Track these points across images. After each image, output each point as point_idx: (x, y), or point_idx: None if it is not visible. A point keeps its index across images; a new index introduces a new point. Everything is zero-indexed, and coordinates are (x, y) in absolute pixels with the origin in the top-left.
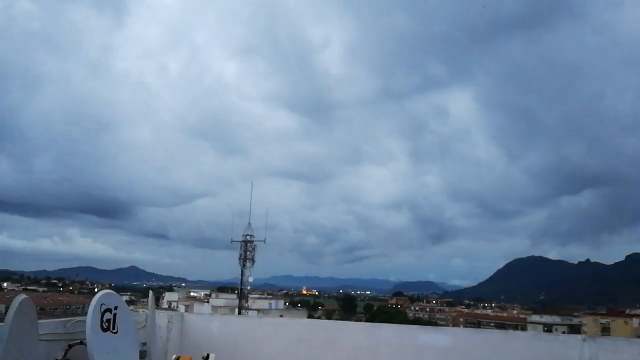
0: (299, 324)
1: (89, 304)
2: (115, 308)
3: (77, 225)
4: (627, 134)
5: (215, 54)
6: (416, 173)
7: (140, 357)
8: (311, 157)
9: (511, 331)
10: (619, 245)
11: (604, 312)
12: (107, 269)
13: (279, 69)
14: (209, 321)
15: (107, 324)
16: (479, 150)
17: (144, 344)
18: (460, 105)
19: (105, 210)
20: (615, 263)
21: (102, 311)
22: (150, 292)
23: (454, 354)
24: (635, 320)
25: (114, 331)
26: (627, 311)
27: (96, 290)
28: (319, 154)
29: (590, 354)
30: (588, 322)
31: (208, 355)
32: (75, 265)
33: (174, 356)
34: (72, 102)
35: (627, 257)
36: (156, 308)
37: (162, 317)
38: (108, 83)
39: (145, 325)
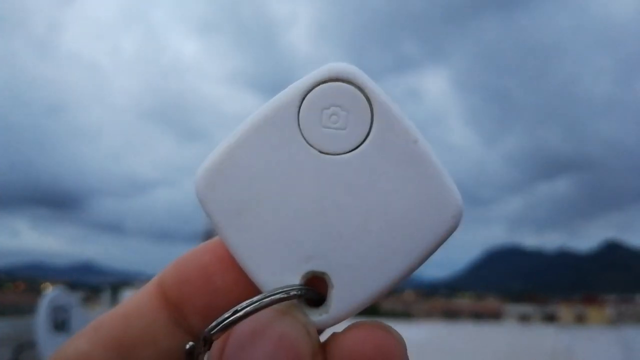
0: None
1: (40, 303)
2: (69, 307)
3: (24, 217)
4: (602, 118)
5: (173, 32)
6: None
7: None
8: None
9: (485, 324)
10: (595, 231)
11: (579, 300)
12: (60, 264)
13: (242, 47)
14: None
15: (59, 324)
16: (453, 134)
17: None
18: (435, 86)
19: (56, 201)
20: (591, 250)
21: (54, 310)
22: (107, 288)
23: (427, 350)
24: (610, 307)
25: (67, 332)
26: (602, 297)
27: (48, 288)
28: None
29: (567, 343)
30: (563, 310)
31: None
32: (23, 260)
33: None
34: (15, 83)
35: (602, 243)
36: (114, 306)
37: None
38: (56, 63)
39: None
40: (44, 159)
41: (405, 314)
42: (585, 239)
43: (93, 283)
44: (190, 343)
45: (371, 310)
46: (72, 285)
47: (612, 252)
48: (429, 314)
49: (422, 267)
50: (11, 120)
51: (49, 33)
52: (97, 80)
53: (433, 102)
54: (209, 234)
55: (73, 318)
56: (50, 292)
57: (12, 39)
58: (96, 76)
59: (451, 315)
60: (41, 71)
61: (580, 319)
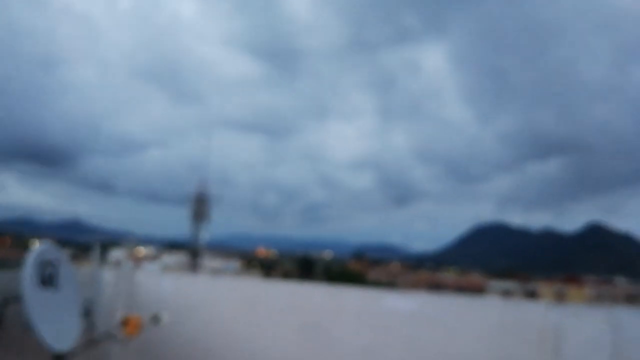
0: (256, 286)
1: (27, 257)
2: (57, 262)
3: (11, 172)
4: (597, 101)
5: None
6: (383, 131)
7: (84, 315)
8: (273, 108)
9: (477, 297)
10: (581, 213)
11: (560, 279)
12: (48, 221)
13: (241, 9)
14: (160, 279)
15: (47, 278)
16: (448, 110)
17: (89, 301)
18: (433, 61)
19: (45, 157)
20: (576, 231)
21: (41, 265)
22: (96, 246)
23: (419, 320)
24: (589, 287)
25: (55, 287)
26: (583, 278)
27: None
28: (282, 105)
29: (554, 320)
30: (544, 288)
31: (159, 314)
32: (11, 216)
33: (120, 315)
34: (5, 34)
35: (586, 225)
36: (103, 264)
37: (109, 273)
38: (48, 15)
39: (90, 282)
40: (33, 114)
41: (391, 285)
42: (571, 220)
43: (81, 241)
44: None
45: (357, 279)
46: (60, 242)
47: (596, 234)
48: (413, 286)
49: (410, 240)
50: (1, 72)
51: None
52: (90, 35)
53: (430, 75)
54: (199, 197)
55: (61, 273)
56: (38, 247)
57: None
58: (89, 30)
59: (435, 288)
60: (32, 22)
61: (560, 297)
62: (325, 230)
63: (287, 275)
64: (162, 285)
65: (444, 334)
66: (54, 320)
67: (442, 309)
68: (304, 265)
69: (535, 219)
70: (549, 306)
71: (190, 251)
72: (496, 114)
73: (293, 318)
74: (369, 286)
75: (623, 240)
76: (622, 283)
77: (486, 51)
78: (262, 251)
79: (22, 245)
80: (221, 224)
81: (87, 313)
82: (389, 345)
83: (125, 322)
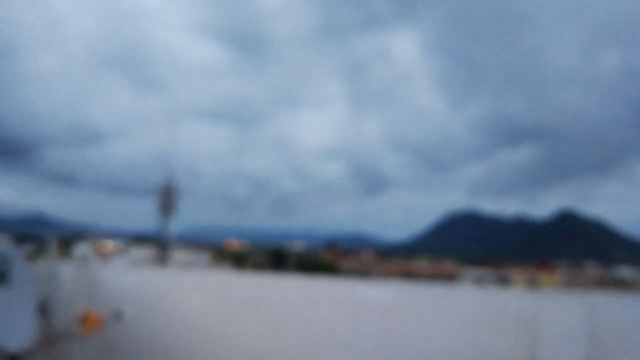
0: (225, 279)
1: None
2: (7, 257)
3: None
4: (567, 88)
5: None
6: (354, 119)
7: (41, 313)
8: (241, 96)
9: (452, 285)
10: (551, 199)
11: (532, 265)
12: (8, 216)
13: None
14: (124, 274)
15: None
16: (420, 97)
17: (45, 298)
18: (404, 48)
19: (5, 149)
20: (546, 218)
21: None
22: (53, 240)
23: (395, 311)
24: (559, 272)
25: (6, 283)
26: (553, 263)
27: None
28: (250, 93)
29: (530, 308)
30: (516, 274)
31: (121, 310)
32: None
33: (78, 313)
34: None
35: (558, 212)
36: (66, 260)
37: (68, 269)
38: (6, 1)
39: (47, 278)
40: None
41: (364, 274)
42: (542, 207)
43: (45, 236)
44: None
45: (330, 269)
46: (23, 238)
47: (566, 221)
48: (386, 275)
49: (382, 229)
50: None
51: None
52: (50, 21)
53: (401, 62)
54: (166, 189)
55: (14, 270)
56: None
57: None
58: (49, 16)
59: (408, 277)
60: None
61: (532, 283)
62: (296, 220)
63: (258, 266)
64: (125, 280)
65: (420, 324)
66: (6, 319)
67: (417, 299)
68: (275, 257)
69: (506, 206)
70: (525, 293)
71: (159, 244)
72: (467, 101)
73: (264, 311)
74: (342, 276)
75: (593, 226)
76: (592, 268)
77: (457, 38)
78: (232, 243)
79: None
80: (190, 216)
81: (44, 310)
82: (364, 337)
83: (84, 319)
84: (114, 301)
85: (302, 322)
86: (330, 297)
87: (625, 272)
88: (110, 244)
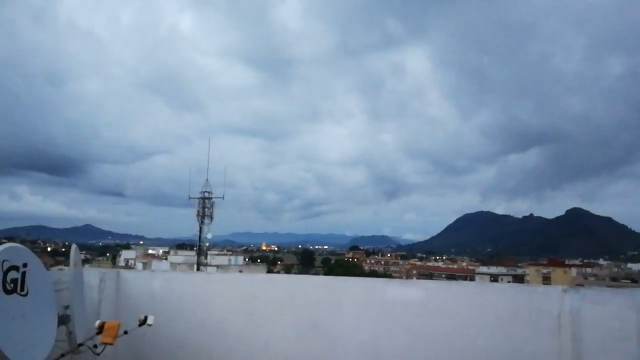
0: (254, 280)
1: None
2: (24, 265)
3: (25, 183)
4: (571, 94)
5: (170, 4)
6: (373, 131)
7: (61, 323)
8: (269, 114)
9: (487, 282)
10: (560, 200)
11: (545, 263)
12: (60, 227)
13: (235, 22)
14: (150, 279)
15: (11, 284)
16: (433, 108)
17: (67, 307)
18: (416, 63)
19: (55, 167)
20: (556, 217)
21: (4, 269)
22: (74, 246)
23: (425, 309)
24: (573, 270)
25: (23, 293)
26: (566, 261)
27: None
28: (277, 111)
29: (572, 305)
30: (531, 272)
31: (146, 317)
32: (26, 224)
33: (97, 322)
34: (14, 52)
35: (567, 211)
36: (113, 266)
37: (92, 275)
38: (54, 32)
39: (69, 286)
40: (44, 126)
41: (386, 276)
42: (552, 207)
43: (94, 245)
44: None
45: (354, 268)
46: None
47: (577, 219)
48: (407, 276)
49: (401, 231)
50: (11, 87)
51: (47, 1)
52: (94, 50)
53: (415, 77)
54: (203, 199)
55: (30, 278)
56: (0, 249)
57: (10, 6)
58: (93, 45)
59: (428, 276)
60: (40, 40)
61: (546, 280)
62: (322, 224)
63: (289, 268)
64: (152, 284)
65: (453, 324)
66: (21, 332)
67: (449, 297)
68: (304, 258)
69: (517, 208)
70: (566, 290)
71: (196, 249)
72: (477, 110)
73: (292, 312)
74: (370, 276)
75: (604, 223)
76: (606, 265)
77: (465, 51)
78: (265, 246)
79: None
80: (226, 224)
81: (65, 321)
82: (394, 338)
83: (102, 329)
84: (140, 307)
85: (330, 324)
86: (358, 297)
87: (637, 267)
88: (151, 251)
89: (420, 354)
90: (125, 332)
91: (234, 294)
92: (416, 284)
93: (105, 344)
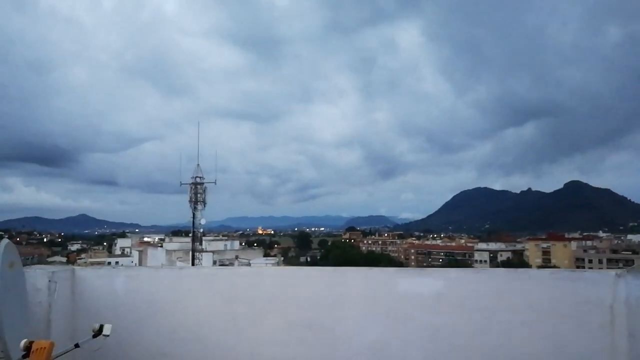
0: (236, 274)
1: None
2: None
3: (17, 174)
4: (568, 65)
5: None
6: (366, 110)
7: None
8: (260, 95)
9: (521, 269)
10: (558, 174)
11: (544, 237)
12: (55, 218)
13: (220, 2)
14: (111, 276)
15: None
16: (427, 84)
17: None
18: (409, 38)
19: (47, 157)
20: (555, 191)
21: None
22: (4, 242)
23: (446, 303)
24: (573, 243)
25: None
26: (566, 235)
27: (45, 240)
28: (268, 92)
29: (628, 293)
30: (530, 247)
31: (101, 326)
32: (21, 215)
33: (22, 342)
34: None
35: (565, 184)
36: (110, 255)
37: (39, 276)
38: (35, 20)
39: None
40: (32, 117)
41: (384, 255)
42: (550, 181)
43: (89, 235)
44: None
45: (352, 249)
46: (69, 237)
47: (576, 192)
48: (405, 255)
49: (398, 210)
50: None
51: None
52: (77, 37)
53: (408, 52)
54: (195, 184)
55: None
56: None
57: None
58: (77, 32)
59: (426, 254)
60: (21, 28)
61: (545, 254)
62: (318, 206)
63: (286, 251)
64: (114, 283)
65: (480, 320)
66: None
67: (476, 288)
68: (301, 241)
69: (514, 183)
70: (620, 275)
71: (191, 236)
72: (472, 85)
73: (283, 312)
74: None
75: (603, 195)
76: (605, 237)
77: (459, 25)
78: (261, 230)
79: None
80: (221, 209)
81: None
82: (407, 339)
83: (30, 351)
84: (99, 312)
85: (330, 325)
86: (363, 291)
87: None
88: (147, 238)
89: (441, 358)
90: (77, 346)
91: (213, 292)
92: (434, 273)
93: None
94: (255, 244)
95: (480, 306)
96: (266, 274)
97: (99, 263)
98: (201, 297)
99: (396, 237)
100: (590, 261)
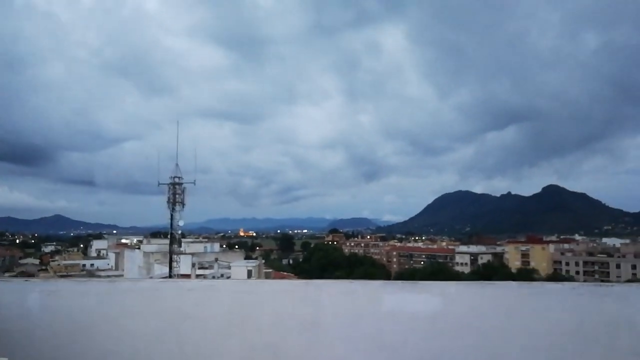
0: (184, 289)
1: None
2: None
3: None
4: (548, 70)
5: None
6: (350, 112)
7: None
8: (243, 96)
9: (535, 283)
10: (538, 177)
11: (523, 240)
12: (29, 218)
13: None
14: (23, 291)
15: None
16: (410, 87)
17: None
18: (393, 41)
19: (21, 156)
20: (533, 194)
21: None
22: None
23: (444, 324)
24: (551, 246)
25: None
26: (544, 238)
27: (17, 241)
28: (251, 92)
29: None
30: (510, 250)
31: None
32: None
33: None
34: None
35: (543, 188)
36: (85, 257)
37: None
38: (9, 15)
39: None
40: (6, 115)
41: (366, 258)
42: (530, 184)
43: (64, 236)
44: None
45: (334, 251)
46: (43, 239)
47: (553, 196)
48: (387, 257)
49: (380, 213)
50: None
51: None
52: (54, 32)
53: (392, 55)
54: (174, 185)
55: None
56: None
57: None
58: (54, 28)
59: (408, 257)
60: None
61: (525, 257)
62: (301, 208)
63: (268, 253)
64: (26, 299)
65: (487, 344)
66: None
67: (481, 304)
68: (284, 243)
69: (495, 186)
70: (623, 288)
71: (169, 237)
72: (455, 88)
73: (242, 336)
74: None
75: (579, 199)
76: (582, 240)
77: (442, 29)
78: (243, 232)
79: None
80: (202, 210)
81: None
82: None
83: None
84: (8, 334)
85: (300, 351)
86: (342, 308)
87: (612, 242)
88: (125, 240)
89: None
90: None
91: (154, 310)
92: (429, 287)
93: None
94: (236, 246)
95: (487, 328)
96: (222, 287)
97: (73, 265)
98: (139, 316)
99: (379, 240)
100: (567, 264)
